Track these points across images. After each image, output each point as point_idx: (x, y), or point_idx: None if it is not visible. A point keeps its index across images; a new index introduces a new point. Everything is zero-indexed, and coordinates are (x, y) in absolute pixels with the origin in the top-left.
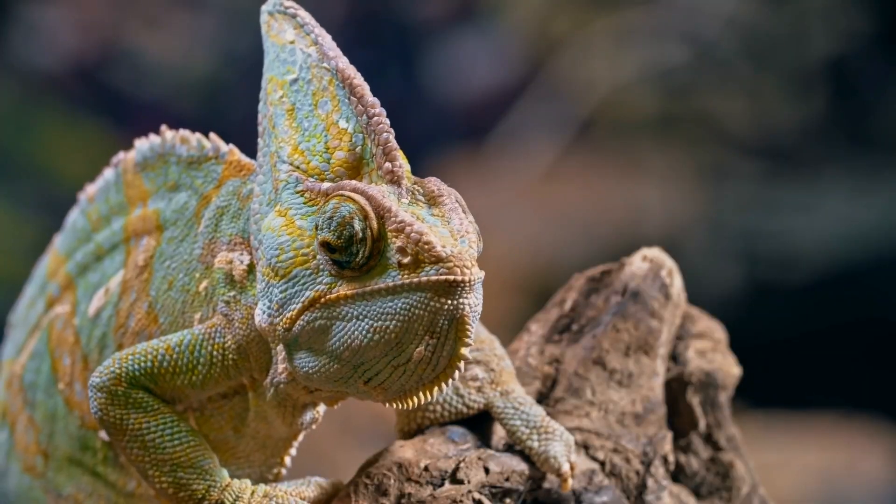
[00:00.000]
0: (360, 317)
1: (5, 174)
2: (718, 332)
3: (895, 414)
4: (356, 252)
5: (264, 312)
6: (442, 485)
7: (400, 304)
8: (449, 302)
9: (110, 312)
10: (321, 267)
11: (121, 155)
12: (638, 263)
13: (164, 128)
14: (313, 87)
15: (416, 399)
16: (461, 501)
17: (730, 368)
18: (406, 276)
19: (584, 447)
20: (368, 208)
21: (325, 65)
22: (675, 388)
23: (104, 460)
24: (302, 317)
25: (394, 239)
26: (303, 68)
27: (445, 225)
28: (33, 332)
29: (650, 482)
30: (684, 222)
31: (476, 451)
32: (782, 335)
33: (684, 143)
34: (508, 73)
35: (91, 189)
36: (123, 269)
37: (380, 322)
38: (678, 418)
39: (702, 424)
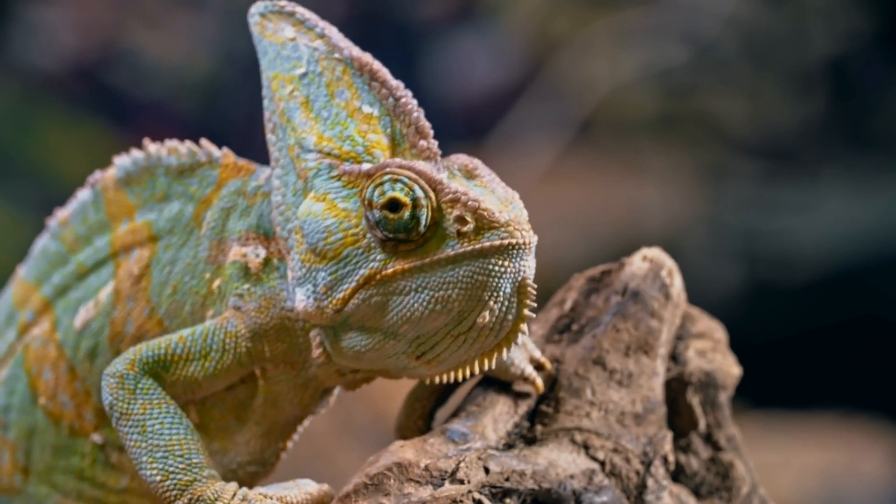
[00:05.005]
0: (420, 289)
1: (5, 174)
2: (718, 332)
3: (895, 414)
4: (421, 222)
5: (309, 297)
6: (442, 485)
7: (462, 272)
8: (511, 265)
9: (102, 322)
10: (372, 245)
11: (97, 174)
12: (638, 263)
13: (146, 141)
14: (326, 78)
15: (473, 369)
16: (461, 501)
17: (730, 368)
18: (467, 244)
19: (584, 447)
20: (422, 181)
21: (336, 56)
22: (675, 388)
23: (93, 463)
24: (356, 296)
25: (450, 209)
26: (310, 62)
27: (491, 194)
28: (3, 361)
29: (650, 482)
30: (684, 222)
31: (476, 451)
32: (782, 335)
33: (684, 143)
34: (508, 73)
35: (63, 213)
36: (113, 280)
37: (441, 292)
38: (678, 418)
39: (702, 424)
